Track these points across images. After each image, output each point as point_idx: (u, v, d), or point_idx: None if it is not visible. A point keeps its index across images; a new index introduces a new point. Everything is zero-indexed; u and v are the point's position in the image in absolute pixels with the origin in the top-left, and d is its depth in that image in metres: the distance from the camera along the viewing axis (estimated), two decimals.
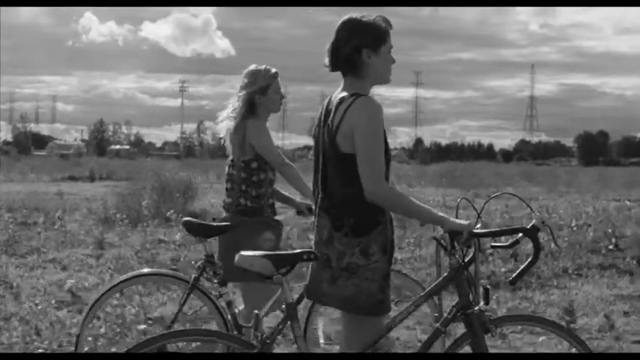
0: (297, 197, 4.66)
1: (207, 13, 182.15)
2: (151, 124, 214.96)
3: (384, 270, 3.08)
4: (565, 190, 26.05)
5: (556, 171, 42.92)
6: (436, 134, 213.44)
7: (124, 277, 4.31)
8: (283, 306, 3.10)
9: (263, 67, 4.43)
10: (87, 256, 8.95)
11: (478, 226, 3.13)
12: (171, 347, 3.95)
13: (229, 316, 4.16)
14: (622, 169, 50.52)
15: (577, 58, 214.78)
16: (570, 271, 8.49)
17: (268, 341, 3.03)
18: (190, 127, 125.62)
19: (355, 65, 3.10)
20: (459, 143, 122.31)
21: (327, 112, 3.14)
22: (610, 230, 10.19)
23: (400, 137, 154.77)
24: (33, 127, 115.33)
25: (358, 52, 3.08)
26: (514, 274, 3.15)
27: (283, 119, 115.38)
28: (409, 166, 42.33)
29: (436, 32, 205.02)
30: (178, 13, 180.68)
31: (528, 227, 3.06)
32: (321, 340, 4.87)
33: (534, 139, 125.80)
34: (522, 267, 3.13)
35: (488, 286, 3.21)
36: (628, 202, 15.98)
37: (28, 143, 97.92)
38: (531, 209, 3.39)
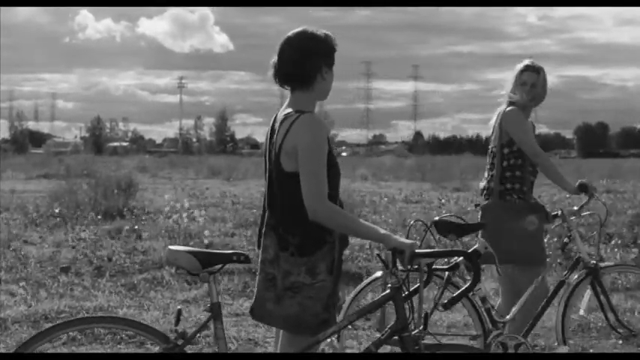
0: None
1: (203, 8, 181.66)
2: (153, 121, 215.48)
3: (329, 289, 3.03)
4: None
5: None
6: (438, 127, 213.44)
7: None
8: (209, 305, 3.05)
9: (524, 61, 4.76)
10: None
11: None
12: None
13: (484, 312, 4.18)
14: (610, 161, 50.20)
15: (577, 50, 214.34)
16: None
17: (187, 337, 2.97)
18: (189, 123, 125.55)
19: (311, 82, 3.04)
20: (458, 136, 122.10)
21: (273, 129, 3.10)
22: None
23: (401, 131, 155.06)
24: (34, 125, 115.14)
25: (318, 69, 3.04)
26: (448, 299, 3.05)
27: None
28: (388, 159, 42.24)
29: (436, 26, 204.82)
30: (174, 9, 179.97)
31: (469, 251, 3.05)
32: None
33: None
34: (458, 292, 3.03)
35: (428, 311, 3.09)
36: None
37: (25, 141, 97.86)
38: (476, 235, 3.25)
